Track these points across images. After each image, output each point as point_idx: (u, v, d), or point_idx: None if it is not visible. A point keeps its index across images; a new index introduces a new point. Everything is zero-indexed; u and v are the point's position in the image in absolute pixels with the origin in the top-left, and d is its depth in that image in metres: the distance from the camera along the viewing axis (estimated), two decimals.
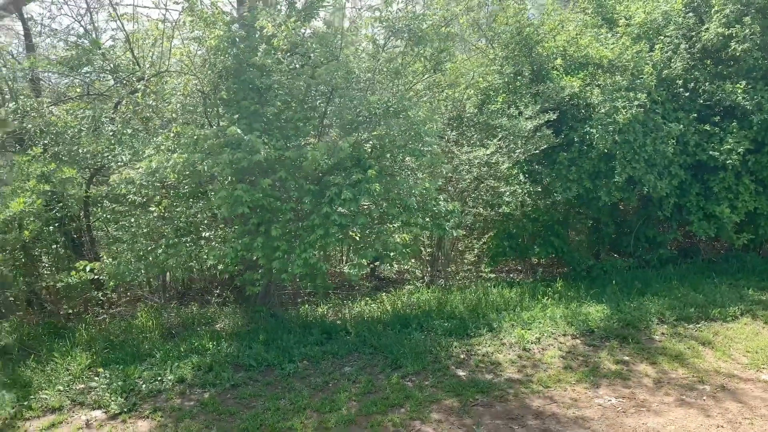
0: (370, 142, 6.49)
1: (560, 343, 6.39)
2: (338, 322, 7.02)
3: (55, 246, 8.20)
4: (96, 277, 6.75)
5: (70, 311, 7.71)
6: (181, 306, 8.11)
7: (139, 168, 5.97)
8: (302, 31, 7.27)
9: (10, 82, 8.75)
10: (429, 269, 9.38)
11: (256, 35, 6.81)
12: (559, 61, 8.94)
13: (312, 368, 5.73)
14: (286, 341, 6.23)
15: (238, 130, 5.83)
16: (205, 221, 7.40)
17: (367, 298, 7.99)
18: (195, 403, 5.01)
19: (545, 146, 8.37)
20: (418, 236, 8.14)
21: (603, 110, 8.29)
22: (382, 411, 4.83)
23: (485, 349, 6.16)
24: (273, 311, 7.40)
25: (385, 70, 7.65)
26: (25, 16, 9.02)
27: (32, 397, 5.14)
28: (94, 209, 8.14)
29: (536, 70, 9.13)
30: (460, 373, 5.61)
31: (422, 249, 9.35)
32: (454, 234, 7.08)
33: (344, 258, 9.57)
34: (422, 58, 8.13)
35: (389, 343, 6.16)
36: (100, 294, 7.86)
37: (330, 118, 7.21)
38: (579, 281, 8.62)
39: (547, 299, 7.64)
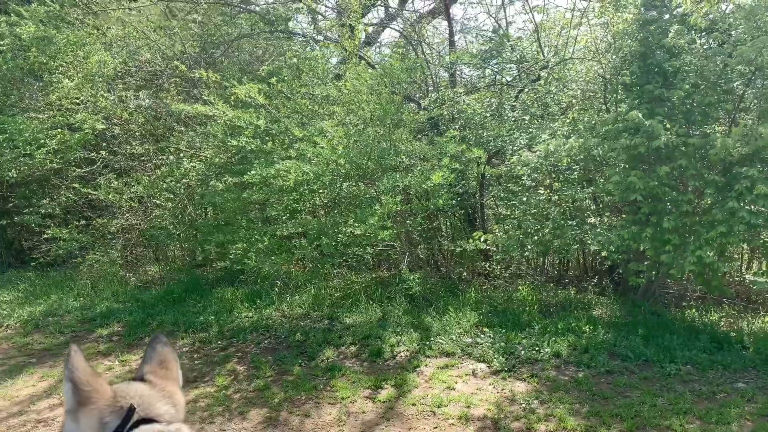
0: None
1: None
2: (733, 333, 6.22)
3: (454, 217, 9.46)
4: (485, 248, 7.53)
5: (461, 276, 8.76)
6: (557, 288, 8.37)
7: (536, 151, 6.37)
8: (723, 6, 6.58)
9: (433, 76, 10.32)
10: None
11: (666, 16, 6.47)
12: None
13: (696, 375, 5.26)
14: (668, 341, 5.84)
15: (639, 115, 5.67)
16: (592, 207, 7.45)
17: None
18: (569, 379, 5.17)
19: None
20: None
21: None
22: None
23: None
24: (654, 309, 7.00)
25: None
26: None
27: (432, 339, 6.10)
28: (489, 188, 9.02)
29: None
30: None
31: None
32: None
33: (750, 263, 8.37)
34: None
35: None
36: (487, 264, 8.71)
37: (747, 101, 6.36)
38: None
39: None
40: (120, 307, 7.74)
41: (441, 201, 6.51)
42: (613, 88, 6.77)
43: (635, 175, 5.97)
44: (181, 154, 9.51)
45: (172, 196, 9.20)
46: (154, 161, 9.82)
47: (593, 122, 6.29)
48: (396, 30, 12.39)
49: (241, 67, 9.94)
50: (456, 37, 11.16)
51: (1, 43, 10.18)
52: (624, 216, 6.86)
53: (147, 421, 1.29)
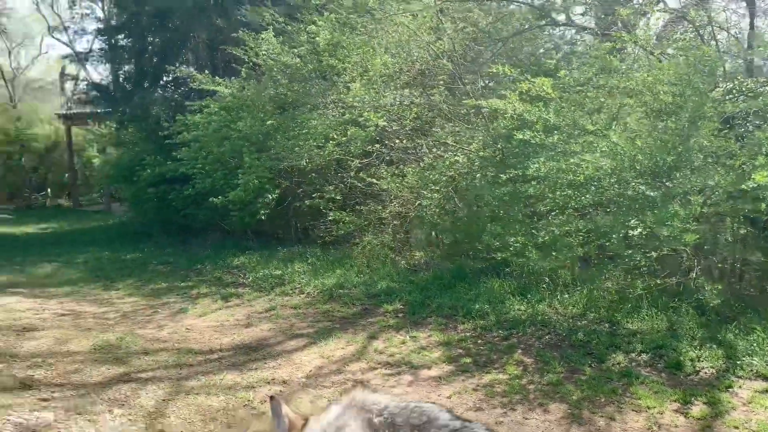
0: None
1: None
2: None
3: (742, 223, 8.32)
4: None
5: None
6: None
7: None
8: None
9: (727, 63, 9.19)
10: None
11: None
12: None
13: None
14: None
15: None
16: None
17: None
18: None
19: None
20: None
21: None
22: None
23: None
24: None
25: None
26: None
27: (741, 359, 5.43)
28: None
29: None
30: None
31: None
32: None
33: None
34: None
35: None
36: None
37: None
38: None
39: None
40: (397, 287, 8.34)
41: (765, 204, 5.73)
42: None
43: None
44: (442, 148, 9.95)
45: (437, 187, 9.65)
46: (421, 154, 10.43)
47: None
48: (671, 12, 11.31)
49: (513, 63, 9.98)
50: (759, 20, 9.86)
51: (302, 48, 11.68)
52: None
53: None
